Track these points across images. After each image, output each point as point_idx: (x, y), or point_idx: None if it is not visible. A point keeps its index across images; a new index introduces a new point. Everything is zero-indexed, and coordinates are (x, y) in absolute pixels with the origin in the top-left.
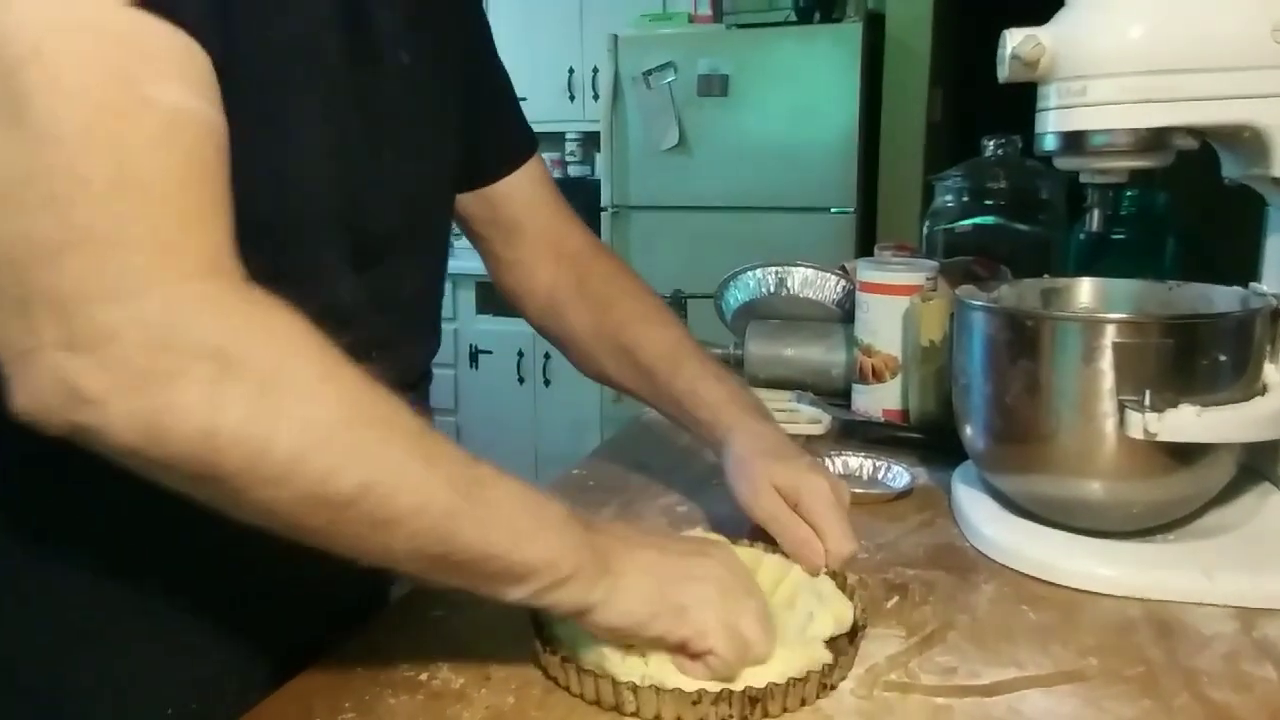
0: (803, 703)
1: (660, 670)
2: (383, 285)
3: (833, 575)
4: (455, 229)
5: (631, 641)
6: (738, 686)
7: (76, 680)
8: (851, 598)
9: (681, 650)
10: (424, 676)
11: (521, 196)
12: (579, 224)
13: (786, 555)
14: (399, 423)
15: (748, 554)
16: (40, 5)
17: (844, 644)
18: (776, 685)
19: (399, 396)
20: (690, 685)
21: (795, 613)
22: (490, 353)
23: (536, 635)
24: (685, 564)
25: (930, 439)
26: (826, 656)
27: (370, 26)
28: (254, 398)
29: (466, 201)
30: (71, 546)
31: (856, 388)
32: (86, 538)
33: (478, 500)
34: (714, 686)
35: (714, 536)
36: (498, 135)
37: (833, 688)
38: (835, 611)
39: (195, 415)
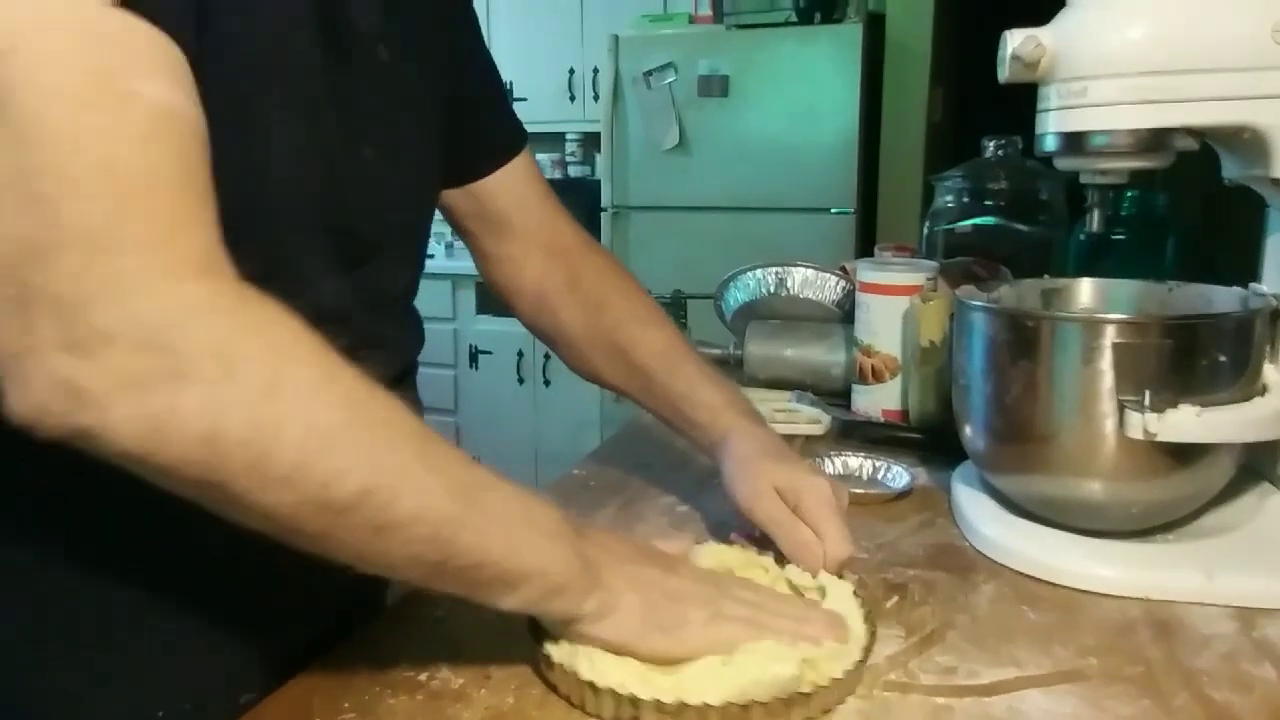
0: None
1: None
2: (370, 284)
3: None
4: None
5: (619, 653)
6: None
7: (60, 680)
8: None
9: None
10: (424, 677)
11: (510, 192)
12: (569, 220)
13: (782, 557)
14: (400, 425)
15: (739, 555)
16: (17, 4)
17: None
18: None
19: (394, 396)
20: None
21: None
22: (490, 353)
23: (536, 642)
24: (665, 582)
25: (930, 439)
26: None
27: (346, 23)
28: (257, 401)
29: (453, 196)
30: (54, 544)
31: (856, 388)
32: (70, 535)
33: (475, 507)
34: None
35: (674, 546)
36: (485, 131)
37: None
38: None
39: (198, 419)
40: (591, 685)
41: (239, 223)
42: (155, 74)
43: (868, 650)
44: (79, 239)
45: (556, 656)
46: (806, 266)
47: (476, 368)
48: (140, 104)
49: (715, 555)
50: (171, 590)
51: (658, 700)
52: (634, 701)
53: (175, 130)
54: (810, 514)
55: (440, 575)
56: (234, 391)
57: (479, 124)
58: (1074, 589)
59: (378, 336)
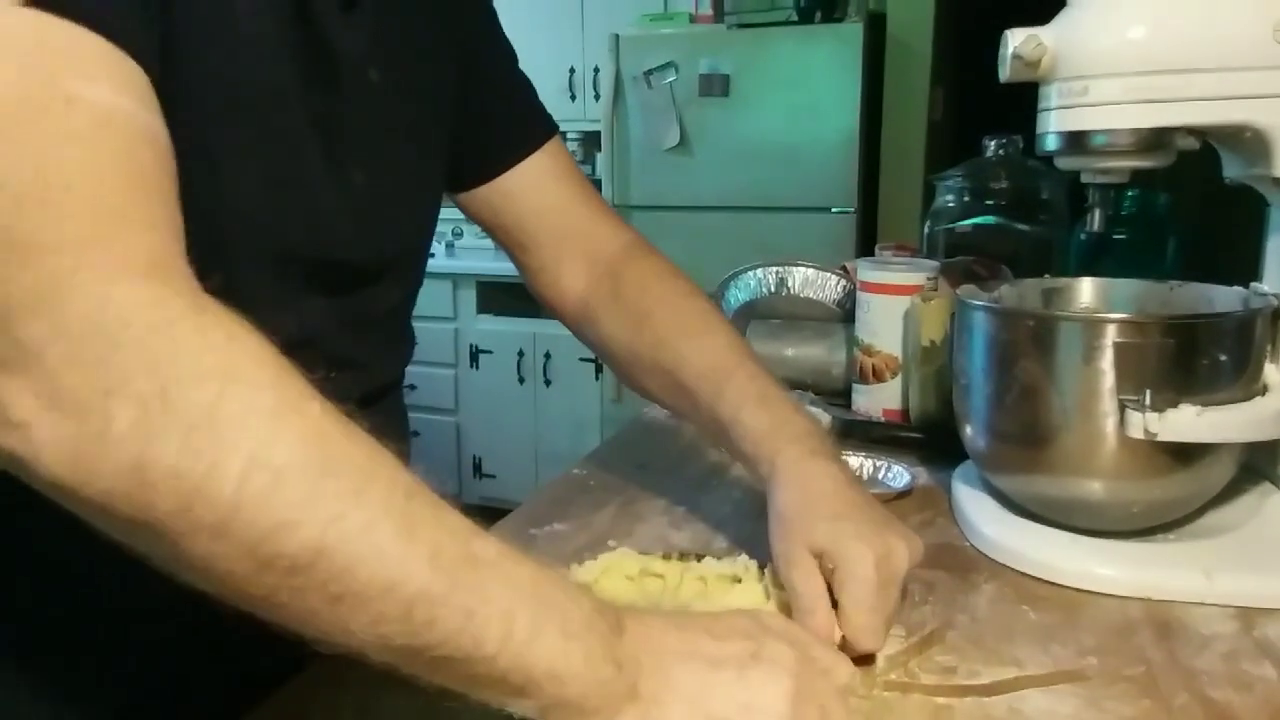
0: None
1: None
2: (355, 307)
3: None
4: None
5: None
6: None
7: (45, 684)
8: None
9: None
10: None
11: (532, 194)
12: (614, 221)
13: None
14: (376, 475)
15: (635, 562)
16: None
17: None
18: None
19: (389, 445)
20: None
21: None
22: (490, 353)
23: None
24: (739, 685)
25: (930, 439)
26: None
27: (331, 51)
28: (193, 427)
29: (471, 203)
30: (40, 552)
31: (857, 388)
32: (55, 539)
33: (464, 585)
34: None
35: (754, 602)
36: (496, 125)
37: None
38: None
39: (124, 445)
40: None
41: (203, 251)
42: (102, 78)
43: None
44: (5, 245)
45: None
46: (807, 266)
47: (477, 367)
48: (81, 104)
49: (608, 564)
50: (150, 600)
51: None
52: None
53: (120, 131)
54: (840, 589)
55: (419, 665)
56: (167, 414)
57: (490, 118)
58: (1074, 589)
59: (357, 356)
